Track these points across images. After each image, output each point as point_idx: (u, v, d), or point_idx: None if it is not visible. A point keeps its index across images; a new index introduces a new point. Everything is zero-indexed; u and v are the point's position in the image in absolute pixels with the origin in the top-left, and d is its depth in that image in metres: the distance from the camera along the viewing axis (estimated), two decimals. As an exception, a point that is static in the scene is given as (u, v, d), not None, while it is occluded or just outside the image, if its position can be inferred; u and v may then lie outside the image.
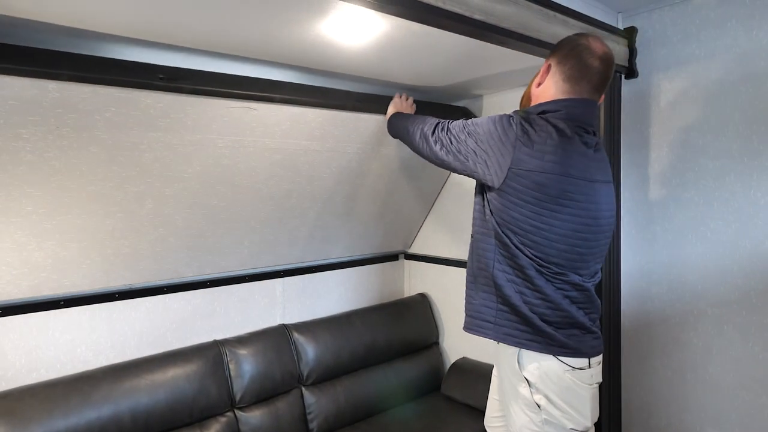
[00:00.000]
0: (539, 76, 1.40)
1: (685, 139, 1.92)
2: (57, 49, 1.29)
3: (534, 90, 1.42)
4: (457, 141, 1.41)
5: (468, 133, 1.39)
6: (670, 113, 1.95)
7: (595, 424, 1.39)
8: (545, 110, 1.33)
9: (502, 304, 1.35)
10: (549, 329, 1.30)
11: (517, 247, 1.31)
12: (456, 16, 1.34)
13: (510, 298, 1.33)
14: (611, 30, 1.93)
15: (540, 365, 1.31)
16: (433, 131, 1.50)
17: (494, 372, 1.60)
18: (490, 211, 1.35)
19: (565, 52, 1.34)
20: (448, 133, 1.45)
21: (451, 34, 1.43)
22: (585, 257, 1.34)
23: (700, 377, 1.91)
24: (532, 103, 1.41)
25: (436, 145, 1.48)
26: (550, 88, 1.36)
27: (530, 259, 1.30)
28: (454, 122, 1.47)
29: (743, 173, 1.78)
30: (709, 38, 1.84)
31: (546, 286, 1.30)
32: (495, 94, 2.35)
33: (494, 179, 1.31)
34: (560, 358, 1.31)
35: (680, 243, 1.94)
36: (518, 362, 1.34)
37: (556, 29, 1.61)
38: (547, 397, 1.31)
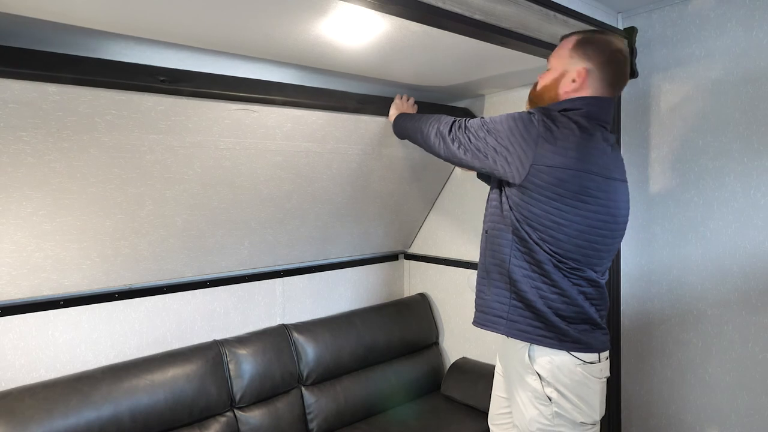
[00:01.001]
0: (575, 81, 1.35)
1: (685, 139, 1.92)
2: (57, 51, 1.29)
3: (565, 88, 1.37)
4: (476, 138, 1.40)
5: (487, 131, 1.38)
6: (670, 113, 1.95)
7: (595, 424, 1.40)
8: (566, 108, 1.34)
9: (515, 300, 1.36)
10: (562, 324, 1.31)
11: (536, 243, 1.31)
12: (456, 16, 1.34)
13: (525, 294, 1.33)
14: (611, 30, 1.92)
15: (552, 359, 1.32)
16: (450, 130, 1.49)
17: (497, 369, 1.60)
18: (509, 206, 1.35)
19: (605, 59, 1.34)
20: (467, 132, 1.43)
21: (452, 34, 1.43)
22: (601, 254, 1.35)
23: (700, 377, 1.91)
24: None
25: (453, 143, 1.46)
26: (586, 89, 1.35)
27: (549, 254, 1.31)
28: (471, 120, 1.45)
29: (743, 173, 1.78)
30: (709, 38, 1.84)
31: (562, 281, 1.31)
32: (497, 94, 2.34)
33: (515, 175, 1.31)
34: (572, 353, 1.32)
35: (680, 243, 1.94)
36: (529, 355, 1.35)
37: (556, 29, 1.61)
38: (558, 390, 1.32)
